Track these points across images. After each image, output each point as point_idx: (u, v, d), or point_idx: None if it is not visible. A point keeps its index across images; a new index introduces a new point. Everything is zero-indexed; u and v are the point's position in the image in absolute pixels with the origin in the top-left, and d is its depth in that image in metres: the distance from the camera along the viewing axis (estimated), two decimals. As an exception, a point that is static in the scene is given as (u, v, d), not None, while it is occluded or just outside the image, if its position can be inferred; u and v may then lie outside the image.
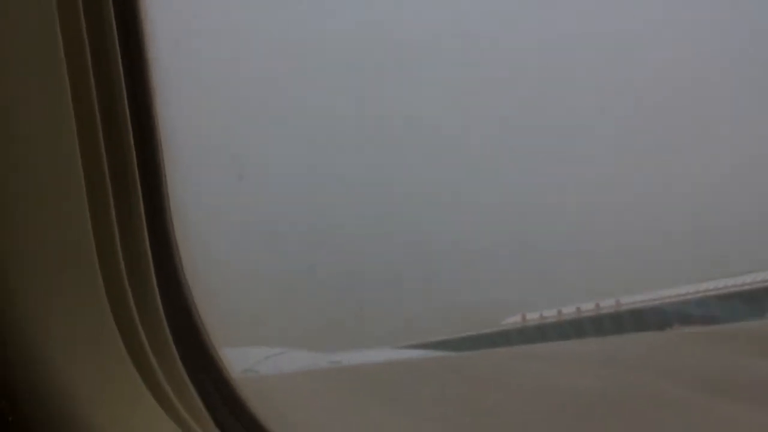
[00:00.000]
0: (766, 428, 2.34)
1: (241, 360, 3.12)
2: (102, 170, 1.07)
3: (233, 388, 1.22)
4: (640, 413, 2.48)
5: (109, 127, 1.09)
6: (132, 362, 1.04)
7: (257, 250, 3.69)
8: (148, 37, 1.18)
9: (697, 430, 2.34)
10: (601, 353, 3.14)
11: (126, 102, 1.12)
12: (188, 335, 1.20)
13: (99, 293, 1.05)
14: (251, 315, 3.38)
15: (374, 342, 3.49)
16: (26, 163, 1.00)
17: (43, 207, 1.01)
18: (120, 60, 1.10)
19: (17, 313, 0.98)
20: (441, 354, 3.45)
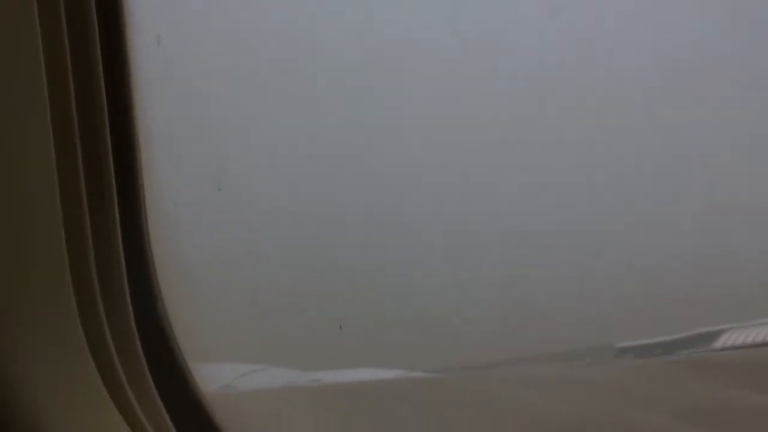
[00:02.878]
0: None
1: (220, 376, 3.10)
2: (77, 177, 1.06)
3: (203, 406, 1.21)
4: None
5: (86, 137, 1.08)
6: (99, 376, 1.03)
7: (236, 264, 3.67)
8: (129, 40, 1.17)
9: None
10: (580, 378, 3.14)
11: (105, 109, 1.10)
12: (160, 351, 1.19)
13: (69, 302, 1.04)
14: (229, 330, 3.38)
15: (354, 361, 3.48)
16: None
17: (14, 213, 1.00)
18: (100, 61, 1.09)
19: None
20: (421, 374, 3.44)
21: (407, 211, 4.16)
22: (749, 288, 4.20)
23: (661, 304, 4.15)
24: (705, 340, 3.60)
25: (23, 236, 0.98)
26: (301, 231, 3.89)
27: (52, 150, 0.99)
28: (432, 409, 2.84)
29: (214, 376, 3.06)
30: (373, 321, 3.96)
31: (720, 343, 3.60)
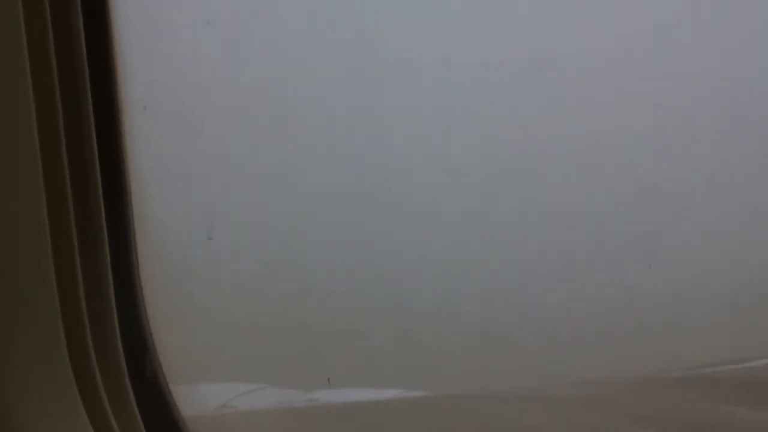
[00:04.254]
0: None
1: (218, 396, 3.10)
2: (65, 196, 1.07)
3: (182, 428, 1.21)
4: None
5: (77, 181, 1.09)
6: (83, 402, 1.03)
7: (232, 289, 3.68)
8: (119, 93, 1.19)
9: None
10: (573, 395, 3.13)
11: (96, 155, 1.12)
12: (142, 372, 1.19)
13: (55, 321, 1.04)
14: (226, 352, 3.39)
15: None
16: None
17: (5, 241, 1.01)
18: (92, 120, 1.10)
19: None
20: (419, 394, 3.43)
21: (401, 243, 4.18)
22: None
23: (669, 329, 4.16)
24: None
25: (12, 257, 0.99)
26: (293, 259, 3.91)
27: (41, 174, 1.01)
28: (430, 430, 2.84)
29: (212, 396, 3.06)
30: (369, 343, 3.96)
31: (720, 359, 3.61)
